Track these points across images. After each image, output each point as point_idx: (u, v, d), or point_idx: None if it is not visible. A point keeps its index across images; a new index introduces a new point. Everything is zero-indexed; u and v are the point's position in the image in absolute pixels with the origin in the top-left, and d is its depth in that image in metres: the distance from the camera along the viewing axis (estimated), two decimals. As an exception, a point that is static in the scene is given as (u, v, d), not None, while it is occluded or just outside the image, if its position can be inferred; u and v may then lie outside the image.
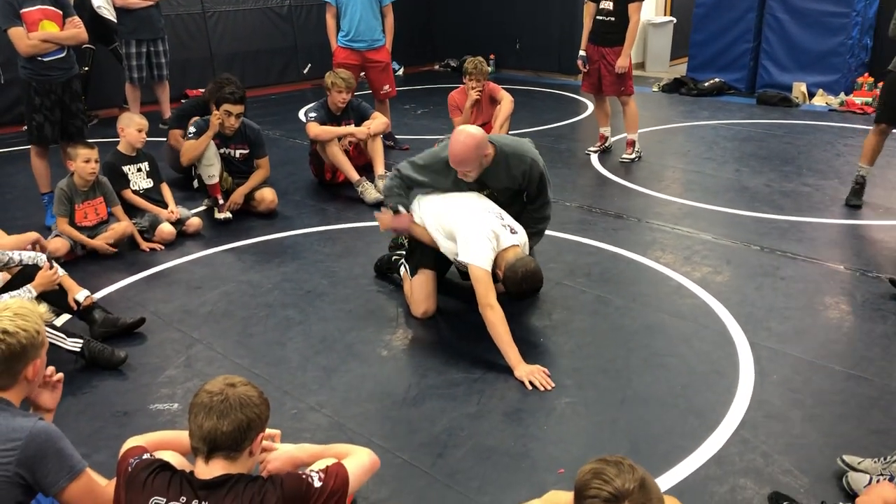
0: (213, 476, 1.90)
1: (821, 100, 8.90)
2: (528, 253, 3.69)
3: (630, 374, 3.37)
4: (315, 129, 5.80)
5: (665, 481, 2.66)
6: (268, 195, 5.46)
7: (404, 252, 4.18)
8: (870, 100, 8.51)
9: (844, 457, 2.67)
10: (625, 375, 3.36)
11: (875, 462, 2.59)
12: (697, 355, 3.50)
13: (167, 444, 2.27)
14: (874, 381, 3.27)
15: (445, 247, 3.72)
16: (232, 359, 3.57)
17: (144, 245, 4.85)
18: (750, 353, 3.49)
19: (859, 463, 2.61)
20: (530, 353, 3.48)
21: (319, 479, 1.99)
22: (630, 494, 1.60)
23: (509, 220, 3.69)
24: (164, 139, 6.65)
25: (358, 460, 2.21)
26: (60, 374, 2.33)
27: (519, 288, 3.49)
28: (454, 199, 3.79)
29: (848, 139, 7.37)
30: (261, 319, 3.95)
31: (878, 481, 2.43)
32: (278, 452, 2.28)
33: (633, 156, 6.65)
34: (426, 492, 2.68)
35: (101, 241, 4.68)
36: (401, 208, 3.89)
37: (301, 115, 8.48)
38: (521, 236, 3.65)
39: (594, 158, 6.79)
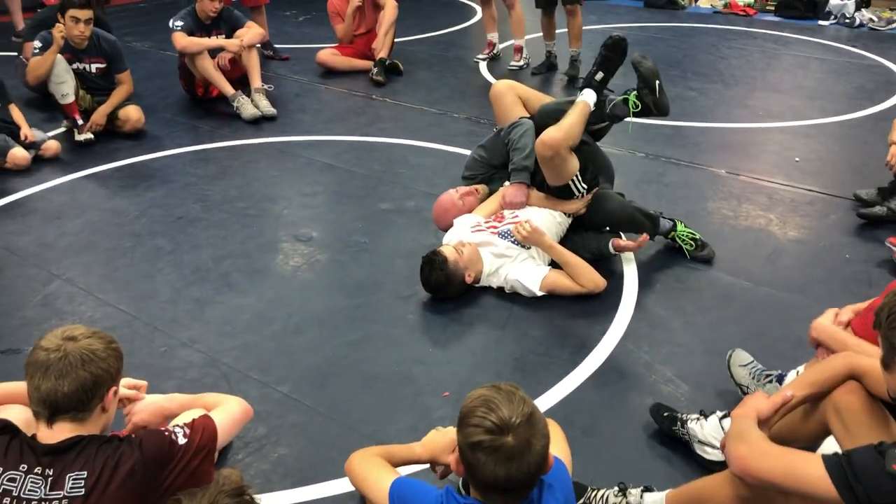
0: (58, 440, 1.70)
1: (706, 2, 8.94)
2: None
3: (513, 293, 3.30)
4: (182, 41, 5.36)
5: (549, 398, 2.64)
6: (133, 113, 5.05)
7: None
8: (752, 0, 8.59)
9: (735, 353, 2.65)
10: (508, 294, 3.28)
11: (753, 378, 2.59)
12: (583, 268, 3.47)
13: (12, 397, 2.05)
14: (755, 287, 3.32)
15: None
16: (95, 294, 3.30)
17: None
18: (634, 263, 3.49)
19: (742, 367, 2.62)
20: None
21: (184, 434, 1.80)
22: (515, 428, 1.51)
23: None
24: (16, 54, 6.03)
25: (227, 411, 2.04)
26: None
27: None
28: None
29: (731, 41, 7.43)
30: (127, 250, 3.67)
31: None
32: (145, 403, 2.10)
33: (522, 63, 6.50)
34: (307, 426, 2.56)
35: None
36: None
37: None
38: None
39: (483, 66, 6.60)
